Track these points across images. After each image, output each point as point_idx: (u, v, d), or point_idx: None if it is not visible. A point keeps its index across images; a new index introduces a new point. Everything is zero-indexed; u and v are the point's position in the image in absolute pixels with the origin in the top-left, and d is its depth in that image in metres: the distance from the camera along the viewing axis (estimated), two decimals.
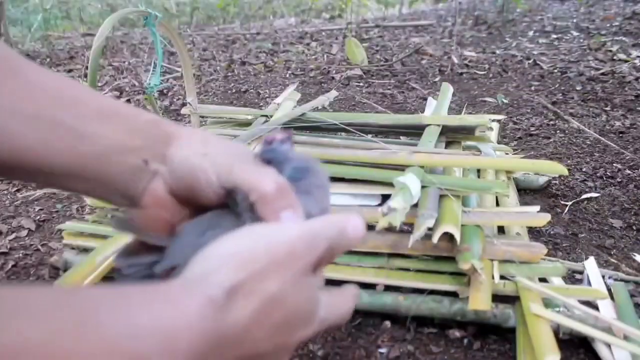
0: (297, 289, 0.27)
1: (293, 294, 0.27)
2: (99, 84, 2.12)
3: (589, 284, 0.75)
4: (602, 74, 1.96)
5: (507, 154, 1.11)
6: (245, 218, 0.32)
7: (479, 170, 0.93)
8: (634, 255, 0.85)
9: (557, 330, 0.64)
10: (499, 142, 1.25)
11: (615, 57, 2.20)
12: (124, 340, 0.21)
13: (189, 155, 0.34)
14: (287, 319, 0.27)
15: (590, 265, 0.78)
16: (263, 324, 0.26)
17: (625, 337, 0.62)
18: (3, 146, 0.31)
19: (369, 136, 0.97)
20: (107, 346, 0.20)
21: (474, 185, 0.77)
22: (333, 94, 1.32)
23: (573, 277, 0.79)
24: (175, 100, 1.91)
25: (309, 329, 0.29)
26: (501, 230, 0.83)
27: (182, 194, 0.35)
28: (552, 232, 0.92)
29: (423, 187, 0.72)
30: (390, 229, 0.66)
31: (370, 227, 0.75)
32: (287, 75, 2.23)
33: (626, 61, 2.11)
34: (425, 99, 1.70)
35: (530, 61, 2.25)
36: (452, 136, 0.96)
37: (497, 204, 0.90)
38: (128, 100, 1.91)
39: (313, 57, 2.59)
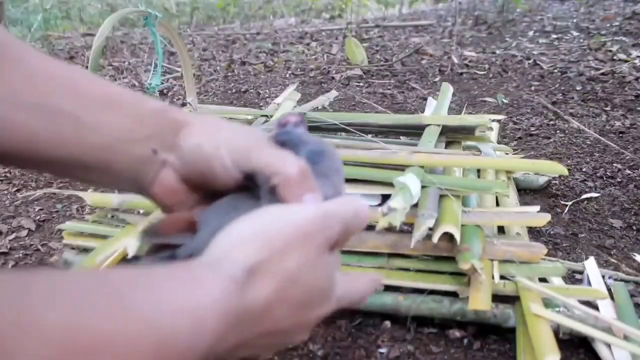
0: (314, 267, 0.28)
1: (310, 272, 0.27)
2: None
3: (589, 284, 0.75)
4: (602, 74, 1.96)
5: (507, 154, 1.11)
6: (265, 201, 0.32)
7: (479, 170, 0.93)
8: (634, 255, 0.85)
9: (557, 330, 0.64)
10: (499, 142, 1.25)
11: (615, 57, 2.20)
12: (154, 320, 0.21)
13: (201, 142, 0.33)
14: (305, 297, 0.27)
15: (590, 265, 0.78)
16: (282, 302, 0.26)
17: (625, 337, 0.62)
18: (7, 137, 0.31)
19: (369, 136, 0.97)
20: (137, 326, 0.20)
21: (474, 185, 0.77)
22: (333, 94, 1.32)
23: (573, 277, 0.79)
24: (175, 100, 1.91)
25: (326, 306, 0.29)
26: (501, 230, 0.83)
27: (194, 181, 0.34)
28: (552, 232, 0.92)
29: (423, 187, 0.72)
30: (390, 229, 0.66)
31: (370, 227, 0.75)
32: (287, 75, 2.23)
33: (626, 61, 2.11)
34: (425, 99, 1.70)
35: (530, 61, 2.25)
36: (452, 136, 0.96)
37: (497, 204, 0.90)
38: None
39: (313, 57, 2.59)
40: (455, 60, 2.28)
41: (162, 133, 0.34)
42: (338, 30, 3.37)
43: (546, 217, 0.72)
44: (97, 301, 0.20)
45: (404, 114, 1.63)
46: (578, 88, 1.83)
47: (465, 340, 0.68)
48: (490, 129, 1.08)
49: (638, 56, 2.17)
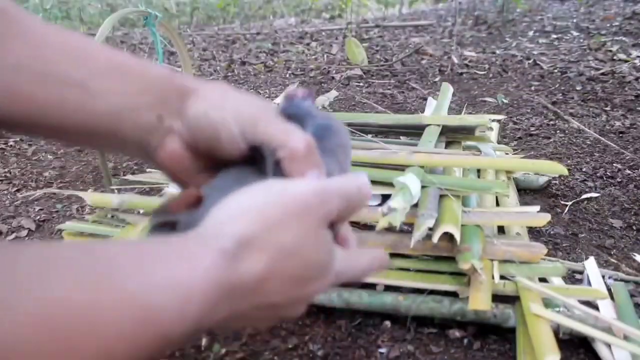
0: (311, 242, 0.27)
1: (307, 246, 0.27)
2: None
3: (589, 284, 0.75)
4: (602, 74, 1.96)
5: (507, 154, 1.11)
6: (269, 175, 0.31)
7: (479, 170, 0.93)
8: (634, 255, 0.85)
9: (557, 330, 0.64)
10: (499, 142, 1.25)
11: (615, 57, 2.20)
12: (139, 294, 0.21)
13: (207, 110, 0.33)
14: (301, 271, 0.27)
15: (590, 265, 0.78)
16: (276, 276, 0.26)
17: (625, 337, 0.62)
18: (13, 104, 0.31)
19: (369, 136, 0.97)
20: (123, 299, 0.21)
21: (474, 185, 0.77)
22: (333, 94, 1.32)
23: (573, 277, 0.79)
24: None
25: (323, 281, 0.29)
26: (501, 230, 0.83)
27: (200, 149, 0.34)
28: (552, 232, 0.92)
29: (423, 187, 0.72)
30: (390, 229, 0.66)
31: (370, 227, 0.75)
32: (287, 75, 2.23)
33: (626, 61, 2.11)
34: (425, 99, 1.70)
35: (530, 61, 2.25)
36: (452, 136, 0.96)
37: (497, 204, 0.90)
38: None
39: (313, 57, 2.59)
40: (455, 60, 2.28)
41: (168, 100, 0.34)
42: (338, 30, 3.37)
43: (546, 217, 0.72)
44: (82, 273, 0.20)
45: (404, 114, 1.63)
46: (578, 88, 1.83)
47: (465, 340, 0.68)
48: (490, 129, 1.08)
49: (638, 56, 2.17)
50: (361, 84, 2.04)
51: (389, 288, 0.72)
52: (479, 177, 0.92)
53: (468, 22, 3.43)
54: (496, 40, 2.83)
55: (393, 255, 0.73)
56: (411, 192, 0.68)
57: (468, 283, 0.67)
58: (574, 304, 0.65)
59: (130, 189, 1.12)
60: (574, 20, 3.27)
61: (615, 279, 0.78)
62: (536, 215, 0.73)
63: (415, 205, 0.69)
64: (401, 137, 1.11)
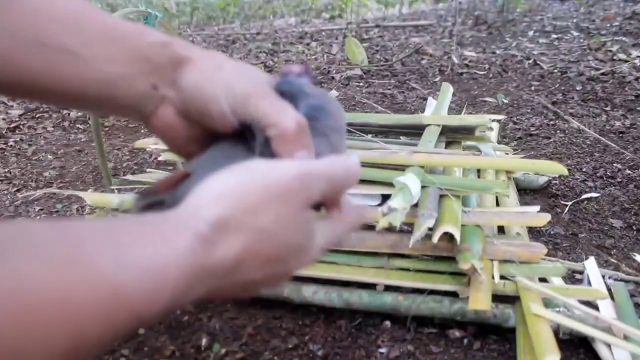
0: (289, 225, 0.27)
1: (285, 229, 0.27)
2: None
3: (589, 284, 0.75)
4: (602, 74, 1.96)
5: (507, 154, 1.11)
6: (257, 153, 0.31)
7: (479, 170, 0.93)
8: (634, 255, 0.85)
9: (557, 330, 0.64)
10: (499, 142, 1.25)
11: (615, 57, 2.20)
12: (112, 275, 0.21)
13: (200, 82, 0.33)
14: (277, 253, 0.27)
15: (590, 265, 0.78)
16: (254, 257, 0.26)
17: (625, 337, 0.62)
18: (9, 70, 0.31)
19: (369, 136, 0.97)
20: (93, 280, 0.20)
21: (474, 185, 0.77)
22: (333, 94, 1.32)
23: (573, 277, 0.79)
24: None
25: (304, 259, 0.29)
26: (501, 230, 0.83)
27: (193, 118, 0.34)
28: (552, 232, 0.92)
29: (423, 187, 0.72)
30: (390, 229, 0.66)
31: (371, 227, 0.75)
32: None
33: (626, 61, 2.11)
34: (425, 99, 1.70)
35: (530, 61, 2.25)
36: (452, 136, 0.96)
37: (497, 204, 0.90)
38: None
39: (313, 57, 2.59)
40: (455, 60, 2.28)
41: (162, 68, 0.33)
42: (338, 30, 3.37)
43: (546, 217, 0.72)
44: (53, 253, 0.20)
45: (404, 114, 1.63)
46: (578, 88, 1.83)
47: (465, 340, 0.68)
48: (490, 129, 1.08)
49: (638, 56, 2.17)
50: (361, 84, 2.04)
51: (389, 288, 0.72)
52: (479, 177, 0.92)
53: (468, 22, 3.43)
54: (496, 40, 2.83)
55: (393, 255, 0.73)
56: (411, 192, 0.68)
57: (468, 283, 0.67)
58: (574, 304, 0.65)
59: (130, 189, 1.12)
60: (574, 20, 3.27)
61: (615, 279, 0.78)
62: (536, 215, 0.73)
63: (415, 205, 0.69)
64: (401, 137, 1.11)
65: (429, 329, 0.70)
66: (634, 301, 0.71)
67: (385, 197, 0.73)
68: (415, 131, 0.96)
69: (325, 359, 0.66)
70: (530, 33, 2.97)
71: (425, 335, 0.69)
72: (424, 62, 2.35)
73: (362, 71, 2.18)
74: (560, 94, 1.78)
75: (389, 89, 1.95)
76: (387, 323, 0.71)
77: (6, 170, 1.35)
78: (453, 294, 0.69)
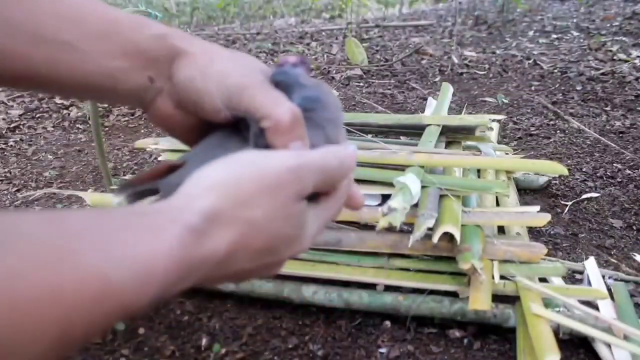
0: (281, 217, 0.27)
1: (276, 221, 0.27)
2: None
3: (589, 284, 0.75)
4: (602, 74, 1.96)
5: (507, 154, 1.11)
6: (252, 143, 0.31)
7: (479, 170, 0.93)
8: (634, 255, 0.85)
9: (557, 330, 0.64)
10: (499, 142, 1.25)
11: (615, 57, 2.20)
12: (100, 267, 0.21)
13: (193, 76, 0.33)
14: (271, 244, 0.28)
15: (590, 265, 0.78)
16: (246, 249, 0.26)
17: (625, 337, 0.62)
18: (10, 63, 0.32)
19: (369, 136, 0.97)
20: (82, 272, 0.20)
21: (474, 185, 0.77)
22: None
23: (573, 277, 0.79)
24: None
25: (297, 248, 0.30)
26: (501, 230, 0.83)
27: (189, 110, 0.35)
28: (552, 232, 0.92)
29: (423, 187, 0.72)
30: (390, 229, 0.66)
31: (370, 227, 0.75)
32: None
33: (626, 61, 2.11)
34: (425, 99, 1.70)
35: (530, 61, 2.25)
36: (452, 136, 0.96)
37: (497, 204, 0.90)
38: None
39: (313, 57, 2.59)
40: (455, 60, 2.28)
41: (158, 61, 0.34)
42: (338, 30, 3.37)
43: (546, 217, 0.72)
44: (40, 244, 0.20)
45: (404, 114, 1.63)
46: (578, 88, 1.83)
47: (465, 340, 0.68)
48: (490, 129, 1.08)
49: (638, 56, 2.17)
50: (361, 84, 2.04)
51: (389, 288, 0.72)
52: (479, 177, 0.92)
53: (468, 22, 3.43)
54: (496, 40, 2.83)
55: (393, 255, 0.73)
56: (411, 192, 0.68)
57: (468, 283, 0.67)
58: (574, 304, 0.65)
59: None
60: (574, 20, 3.27)
61: (615, 279, 0.78)
62: (536, 215, 0.73)
63: (415, 205, 0.69)
64: (401, 137, 1.11)
65: (429, 329, 0.70)
66: (634, 301, 0.71)
67: (385, 197, 0.73)
68: (415, 131, 0.96)
69: (325, 359, 0.66)
70: (530, 33, 2.97)
71: (425, 335, 0.69)
72: (424, 62, 2.35)
73: (362, 71, 2.18)
74: (560, 94, 1.78)
75: (389, 89, 1.95)
76: (387, 323, 0.71)
77: (6, 170, 1.35)
78: (453, 294, 0.69)
